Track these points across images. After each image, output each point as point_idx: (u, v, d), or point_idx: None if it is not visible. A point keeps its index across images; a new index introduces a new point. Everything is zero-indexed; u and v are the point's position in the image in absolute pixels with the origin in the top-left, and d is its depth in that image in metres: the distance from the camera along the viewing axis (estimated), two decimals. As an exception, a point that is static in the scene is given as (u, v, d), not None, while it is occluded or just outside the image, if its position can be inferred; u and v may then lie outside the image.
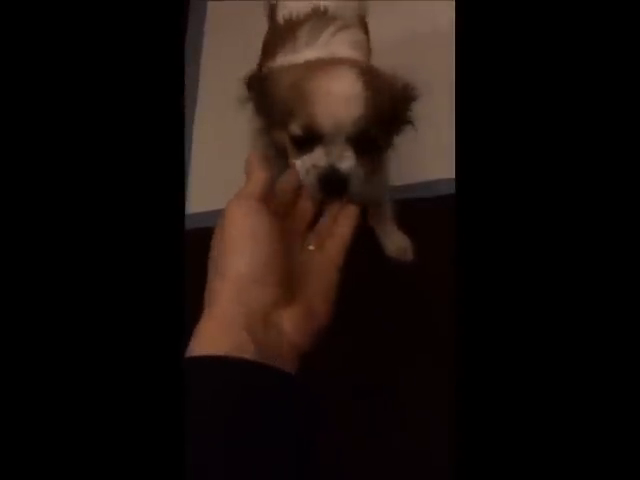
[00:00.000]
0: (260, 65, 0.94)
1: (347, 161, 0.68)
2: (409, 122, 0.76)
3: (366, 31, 1.01)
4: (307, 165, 0.68)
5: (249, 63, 1.51)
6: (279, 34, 0.88)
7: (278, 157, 0.76)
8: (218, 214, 1.28)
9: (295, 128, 0.68)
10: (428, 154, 1.23)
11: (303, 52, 0.80)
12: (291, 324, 0.45)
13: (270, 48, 0.89)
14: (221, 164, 1.33)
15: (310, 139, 0.68)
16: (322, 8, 0.87)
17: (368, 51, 0.93)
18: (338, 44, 0.81)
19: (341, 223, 0.54)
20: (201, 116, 1.48)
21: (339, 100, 0.65)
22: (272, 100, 0.70)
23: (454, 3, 0.50)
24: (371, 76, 0.69)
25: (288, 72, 0.70)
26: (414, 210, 1.16)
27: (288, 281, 0.47)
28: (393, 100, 0.71)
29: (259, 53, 1.16)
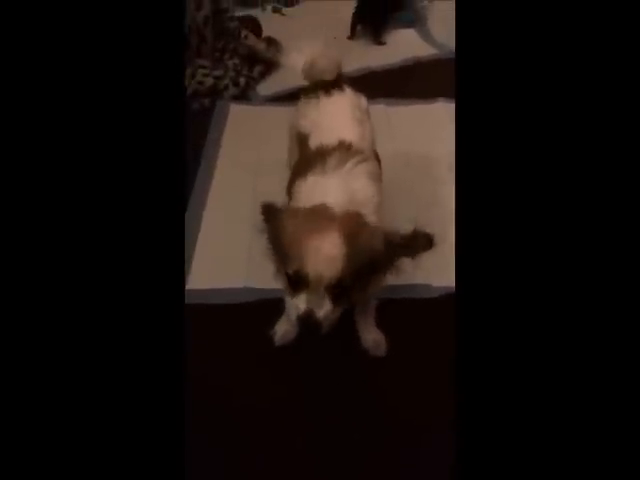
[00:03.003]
0: (290, 184, 1.11)
1: (324, 309, 0.85)
2: (390, 270, 0.90)
3: (378, 159, 1.22)
4: (292, 305, 0.87)
5: (261, 160, 1.69)
6: (310, 158, 1.06)
7: None
8: (215, 293, 1.32)
9: (289, 270, 0.85)
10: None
11: (330, 175, 0.98)
12: None
13: (301, 170, 1.05)
14: (224, 249, 1.45)
15: (299, 283, 0.85)
16: (347, 142, 1.06)
17: (380, 176, 1.13)
18: (358, 173, 1.00)
19: None
20: (212, 203, 1.63)
21: (324, 260, 0.81)
22: (279, 240, 0.87)
23: (454, 132, 0.61)
24: (357, 239, 0.83)
25: (294, 217, 0.87)
26: (410, 309, 1.26)
27: None
28: (373, 258, 0.85)
29: (271, 157, 1.31)
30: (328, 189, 0.93)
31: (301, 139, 1.18)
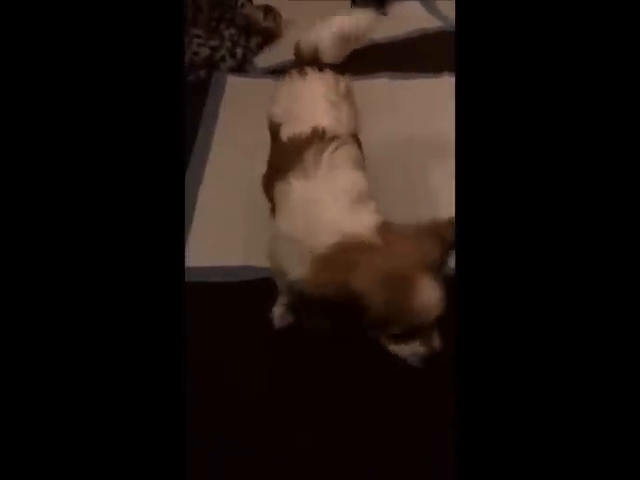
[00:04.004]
0: (267, 181, 1.06)
1: (437, 342, 0.87)
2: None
3: (359, 144, 1.15)
4: (407, 352, 0.88)
5: (259, 135, 1.64)
6: (285, 153, 1.00)
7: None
8: (212, 270, 1.28)
9: (395, 330, 0.84)
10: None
11: (313, 177, 0.93)
12: None
13: (279, 167, 1.00)
14: (221, 226, 1.41)
15: (408, 337, 0.86)
16: (320, 128, 1.00)
17: (363, 160, 1.08)
18: (339, 164, 0.95)
19: None
20: (209, 179, 1.58)
21: (432, 309, 0.82)
22: (362, 310, 0.81)
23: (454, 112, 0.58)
24: (438, 268, 0.83)
25: (379, 287, 0.80)
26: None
27: None
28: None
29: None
30: (322, 202, 0.88)
31: (274, 129, 1.11)
